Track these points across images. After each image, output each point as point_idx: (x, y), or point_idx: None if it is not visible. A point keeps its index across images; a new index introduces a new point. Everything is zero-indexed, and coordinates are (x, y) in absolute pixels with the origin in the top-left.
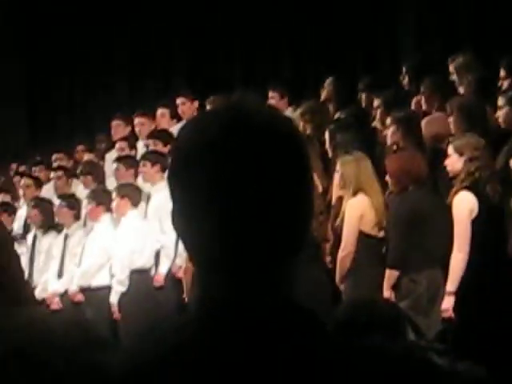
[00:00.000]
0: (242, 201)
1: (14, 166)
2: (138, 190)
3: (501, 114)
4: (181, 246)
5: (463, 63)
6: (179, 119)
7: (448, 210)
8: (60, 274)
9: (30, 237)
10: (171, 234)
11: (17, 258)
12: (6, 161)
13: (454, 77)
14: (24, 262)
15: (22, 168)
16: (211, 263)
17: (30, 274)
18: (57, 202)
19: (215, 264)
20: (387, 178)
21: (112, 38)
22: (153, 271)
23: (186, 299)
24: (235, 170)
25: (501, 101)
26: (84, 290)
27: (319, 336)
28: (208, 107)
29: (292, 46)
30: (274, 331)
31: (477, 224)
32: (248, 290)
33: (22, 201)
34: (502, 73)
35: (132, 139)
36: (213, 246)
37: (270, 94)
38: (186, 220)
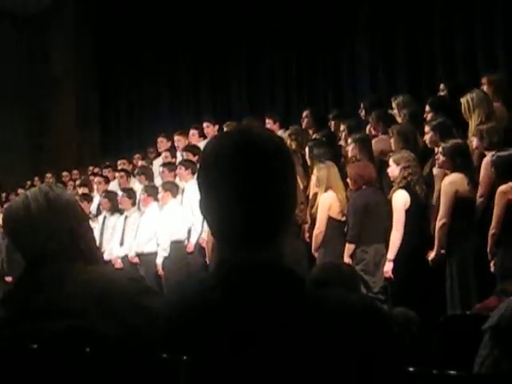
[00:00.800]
0: (247, 194)
1: (90, 168)
2: (177, 186)
3: (427, 138)
4: (205, 224)
5: (401, 101)
6: (205, 137)
7: (389, 203)
8: (122, 244)
9: (101, 217)
10: (199, 216)
11: (91, 230)
12: (85, 165)
13: (395, 111)
14: (96, 234)
15: (96, 170)
16: (225, 237)
17: (100, 243)
18: (120, 193)
19: (228, 237)
20: (348, 180)
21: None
22: (186, 242)
23: (208, 261)
24: (244, 173)
25: (426, 128)
26: (138, 255)
27: (298, 287)
28: (225, 129)
29: (283, 86)
30: (268, 283)
31: (409, 213)
32: (249, 256)
33: (95, 193)
34: (427, 108)
35: (173, 151)
36: (226, 225)
37: (267, 120)
38: (208, 206)
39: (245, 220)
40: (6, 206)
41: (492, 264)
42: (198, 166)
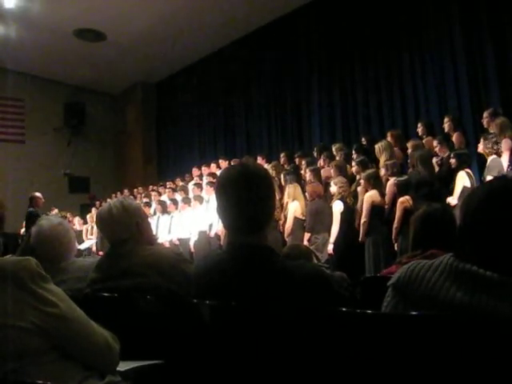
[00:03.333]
0: (244, 202)
1: (150, 186)
2: (202, 198)
3: (354, 169)
4: (219, 221)
5: (338, 147)
6: (220, 168)
7: (330, 208)
8: (169, 232)
9: (156, 217)
10: (216, 216)
11: (150, 224)
12: (147, 184)
13: (334, 152)
14: (153, 227)
15: (154, 187)
16: (231, 228)
17: (156, 232)
18: (168, 202)
19: (233, 229)
20: (306, 194)
21: (190, 131)
22: (208, 231)
23: (222, 244)
24: (243, 189)
25: (353, 163)
26: (179, 240)
27: (275, 258)
28: (232, 163)
29: (268, 136)
30: (256, 255)
31: (343, 214)
32: (246, 240)
33: (153, 201)
34: (353, 151)
35: (201, 176)
36: (232, 221)
37: (258, 157)
38: (221, 210)
39: (243, 218)
40: (98, 210)
41: (396, 245)
42: (215, 185)
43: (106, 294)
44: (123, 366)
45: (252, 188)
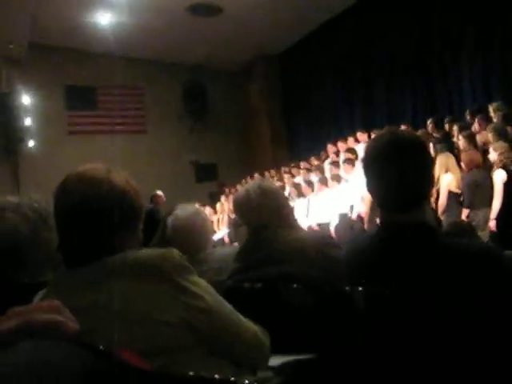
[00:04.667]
0: (399, 177)
1: (283, 168)
2: (340, 177)
3: None
4: (362, 201)
5: (495, 107)
6: (358, 142)
7: (491, 179)
8: (307, 217)
9: (290, 201)
10: (357, 196)
11: (291, 207)
12: (279, 167)
13: (491, 114)
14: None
15: (287, 169)
16: (386, 206)
17: None
18: (303, 184)
19: (387, 207)
20: (462, 164)
21: (323, 107)
22: (349, 214)
23: (366, 226)
24: (396, 162)
25: None
26: (318, 224)
27: (435, 236)
28: (373, 135)
29: (410, 103)
30: (417, 235)
31: (505, 185)
32: (403, 218)
33: (286, 185)
34: None
35: (337, 153)
36: (386, 199)
37: (402, 127)
38: (373, 187)
39: (398, 195)
40: (234, 195)
41: None
42: (357, 161)
43: (249, 285)
44: (273, 362)
45: (407, 157)
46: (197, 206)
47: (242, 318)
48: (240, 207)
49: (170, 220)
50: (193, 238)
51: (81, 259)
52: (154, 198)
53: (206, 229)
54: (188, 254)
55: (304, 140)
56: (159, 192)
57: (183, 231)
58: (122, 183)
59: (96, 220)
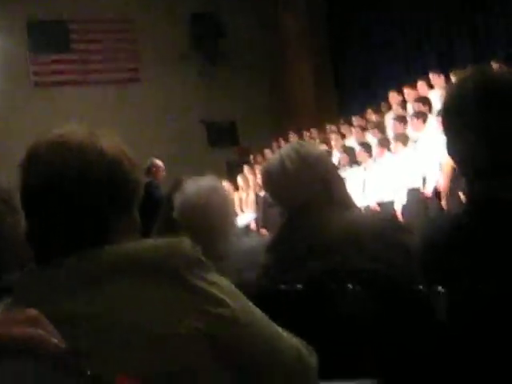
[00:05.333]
0: (493, 131)
1: (328, 126)
2: (407, 137)
3: None
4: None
5: None
6: (432, 88)
7: None
8: (363, 194)
9: (341, 171)
10: (434, 163)
11: (342, 179)
12: (323, 124)
13: None
14: None
15: (334, 127)
16: (475, 174)
17: None
18: (357, 147)
19: (478, 174)
20: None
21: (389, 33)
22: (422, 188)
23: (445, 205)
24: (488, 111)
25: None
26: (379, 204)
27: None
28: (452, 78)
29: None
30: None
31: None
32: (501, 190)
33: (334, 149)
34: None
35: (403, 103)
36: (475, 163)
37: (493, 66)
38: (457, 147)
39: (495, 157)
40: (263, 165)
41: None
42: (431, 115)
43: (286, 286)
44: None
45: (502, 108)
46: (214, 178)
47: (279, 330)
48: (271, 181)
49: (177, 199)
50: (210, 223)
51: (57, 253)
52: (150, 169)
53: (227, 210)
54: (203, 245)
55: (357, 89)
56: (157, 161)
57: (196, 214)
58: (113, 150)
59: (78, 200)
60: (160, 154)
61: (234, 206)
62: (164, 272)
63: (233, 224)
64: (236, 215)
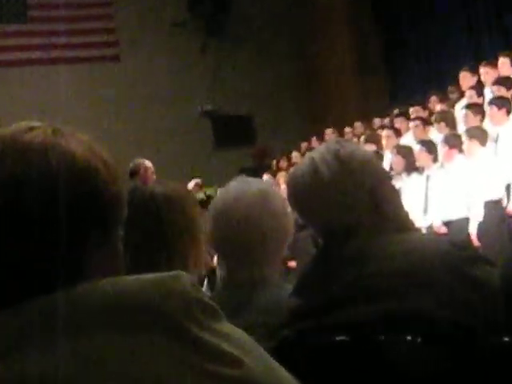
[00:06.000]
0: None
1: (377, 120)
2: (485, 132)
3: None
4: None
5: None
6: None
7: None
8: (425, 211)
9: (394, 180)
10: None
11: (397, 191)
12: (370, 117)
13: None
14: None
15: (384, 121)
16: None
17: None
18: (416, 147)
19: None
20: None
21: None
22: (504, 202)
23: None
24: None
25: None
26: (446, 224)
27: None
28: None
29: None
30: None
31: None
32: None
33: (385, 149)
34: None
35: (479, 87)
36: None
37: None
38: None
39: None
40: (289, 173)
41: None
42: None
43: (325, 338)
44: None
45: None
46: (263, 182)
47: None
48: (300, 195)
49: (213, 206)
50: (257, 242)
51: (11, 296)
52: (136, 171)
53: (277, 228)
54: (235, 271)
55: (415, 67)
56: (146, 162)
57: (239, 229)
58: (85, 154)
59: (37, 222)
60: (149, 155)
61: (289, 224)
62: (156, 320)
63: (285, 242)
64: (290, 235)
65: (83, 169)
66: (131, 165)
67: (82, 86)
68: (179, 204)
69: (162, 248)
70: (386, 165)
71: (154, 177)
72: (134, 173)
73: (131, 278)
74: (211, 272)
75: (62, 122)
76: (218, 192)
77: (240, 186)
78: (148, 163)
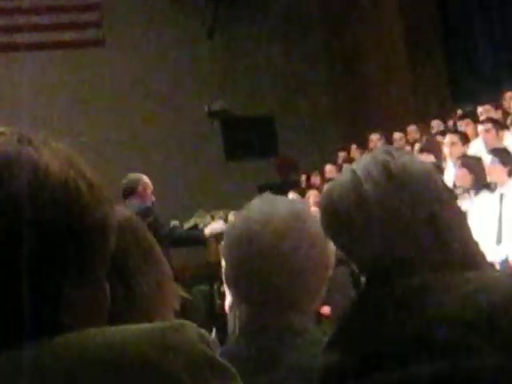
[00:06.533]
0: None
1: (435, 123)
2: None
3: None
4: None
5: None
6: None
7: None
8: (499, 240)
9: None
10: None
11: (465, 217)
12: (427, 119)
13: None
14: None
15: (446, 125)
16: None
17: None
18: (487, 158)
19: None
20: None
21: None
22: None
23: None
24: None
25: None
26: None
27: None
28: None
29: None
30: None
31: None
32: None
33: (448, 160)
34: None
35: None
36: None
37: None
38: None
39: None
40: (323, 191)
41: None
42: None
43: None
44: None
45: None
46: (297, 201)
47: None
48: (338, 220)
49: (230, 230)
50: (287, 278)
51: None
52: (134, 189)
53: (313, 259)
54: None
55: (483, 56)
56: (144, 178)
57: (265, 270)
58: (59, 168)
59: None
60: (144, 168)
61: (329, 256)
62: (154, 380)
63: (320, 286)
64: (330, 270)
65: (58, 187)
66: (124, 181)
67: (58, 76)
68: (132, 233)
69: (116, 285)
70: (448, 180)
71: (154, 198)
72: (129, 191)
73: (122, 329)
74: (221, 318)
75: (29, 127)
76: (234, 216)
77: (265, 206)
78: (146, 179)
